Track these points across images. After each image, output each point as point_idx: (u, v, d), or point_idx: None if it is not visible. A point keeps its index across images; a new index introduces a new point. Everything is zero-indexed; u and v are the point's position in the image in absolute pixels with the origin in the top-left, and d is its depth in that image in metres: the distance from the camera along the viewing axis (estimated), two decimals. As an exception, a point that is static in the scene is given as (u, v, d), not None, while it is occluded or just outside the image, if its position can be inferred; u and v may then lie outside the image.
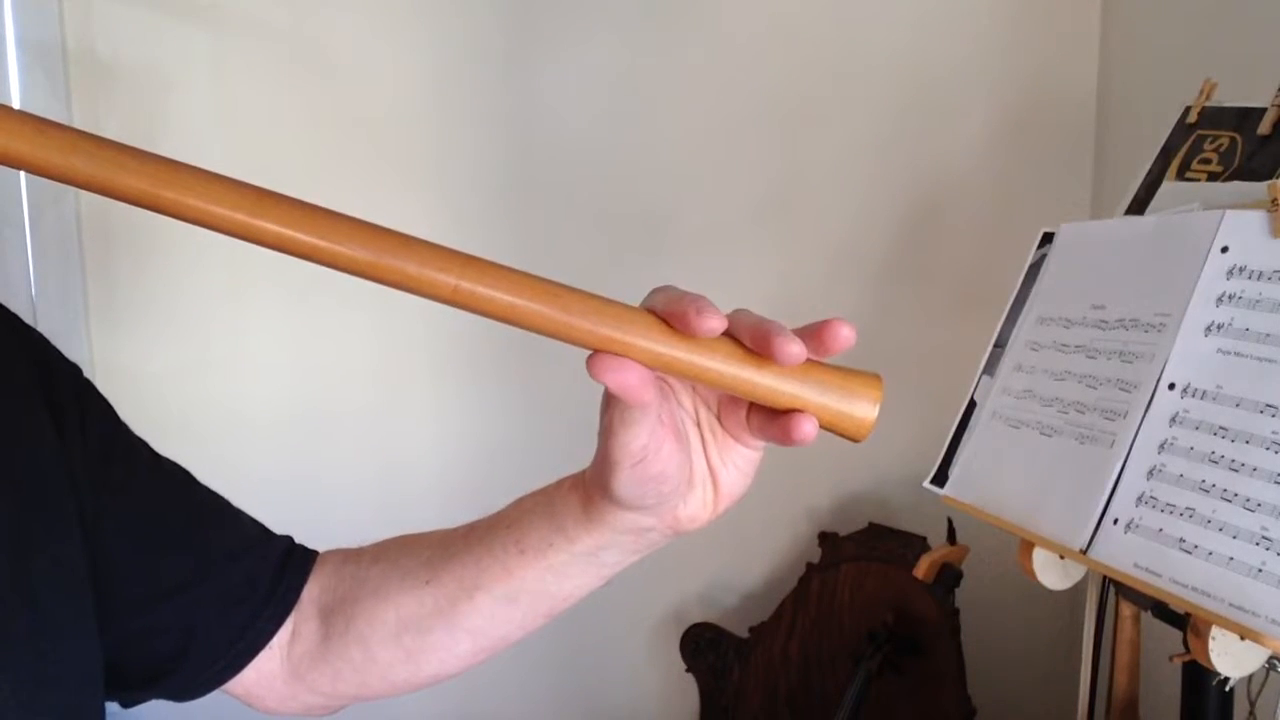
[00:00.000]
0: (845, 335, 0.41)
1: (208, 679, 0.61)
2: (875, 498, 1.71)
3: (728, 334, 0.42)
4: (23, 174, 1.46)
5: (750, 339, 0.41)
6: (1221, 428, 0.73)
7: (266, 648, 0.62)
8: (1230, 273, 0.77)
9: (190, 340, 1.58)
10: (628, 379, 0.40)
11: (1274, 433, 0.69)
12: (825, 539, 1.61)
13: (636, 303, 0.43)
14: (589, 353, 0.40)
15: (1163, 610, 0.80)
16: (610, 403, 0.43)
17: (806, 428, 0.41)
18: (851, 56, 1.63)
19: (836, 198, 1.66)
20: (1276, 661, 0.73)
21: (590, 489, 0.50)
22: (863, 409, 0.42)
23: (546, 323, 0.40)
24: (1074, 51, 1.64)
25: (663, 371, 0.41)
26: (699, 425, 0.47)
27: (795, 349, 0.39)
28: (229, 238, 0.38)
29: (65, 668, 0.52)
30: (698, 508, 0.48)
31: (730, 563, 1.73)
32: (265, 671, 0.63)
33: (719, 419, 0.47)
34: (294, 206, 0.38)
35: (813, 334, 0.41)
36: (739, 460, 0.48)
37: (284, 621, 0.63)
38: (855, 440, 0.43)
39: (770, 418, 0.43)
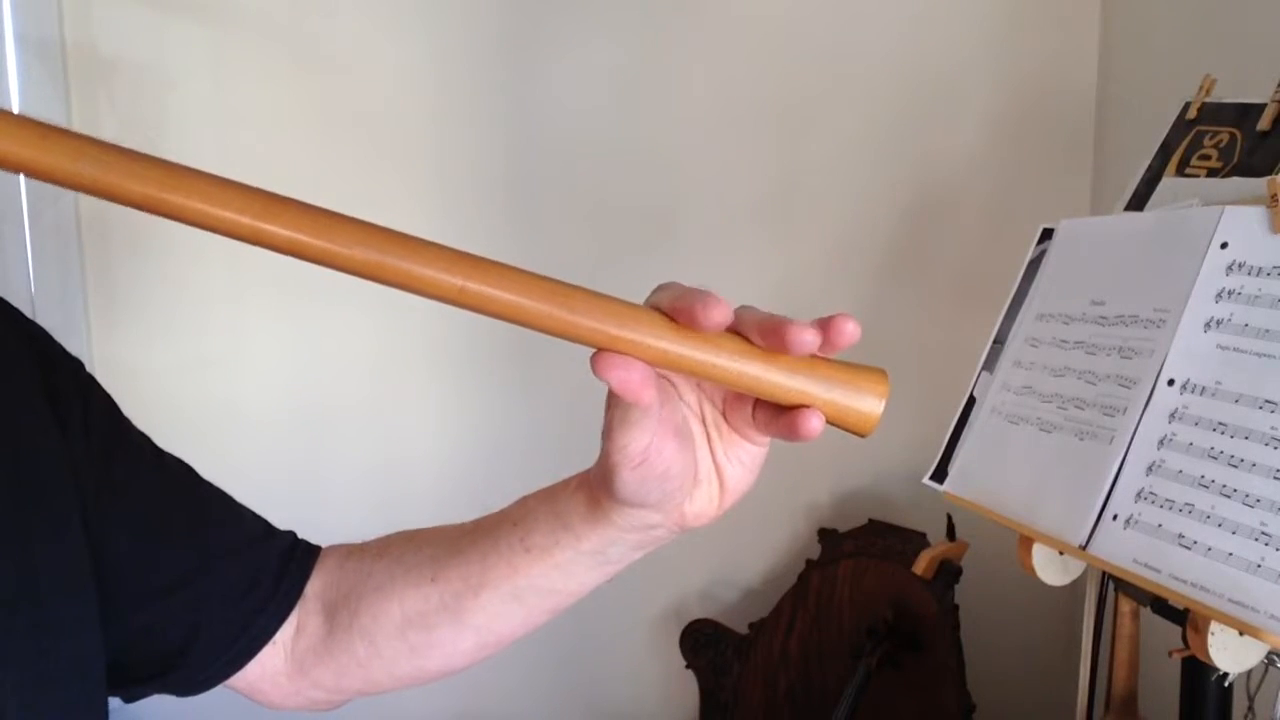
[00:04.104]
0: (850, 330, 0.41)
1: (211, 674, 0.61)
2: (875, 494, 1.71)
3: (734, 330, 0.43)
4: (22, 171, 1.47)
5: (759, 333, 0.41)
6: (1220, 423, 0.73)
7: (270, 643, 0.62)
8: (1230, 269, 0.77)
9: (189, 337, 1.58)
10: (630, 377, 0.40)
11: (1273, 428, 0.69)
12: (825, 535, 1.61)
13: (639, 300, 0.43)
14: (591, 354, 0.40)
15: (1162, 606, 0.80)
16: (612, 403, 0.43)
17: (813, 423, 0.42)
18: (851, 53, 1.64)
19: (837, 195, 1.66)
20: (1275, 657, 0.73)
21: (595, 488, 0.50)
22: (869, 404, 0.43)
23: (553, 322, 0.40)
24: (1074, 47, 1.64)
25: (670, 369, 0.41)
26: (704, 422, 0.47)
27: (808, 336, 0.40)
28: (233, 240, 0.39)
29: (67, 664, 0.52)
30: (704, 504, 0.48)
31: (730, 559, 1.74)
32: (269, 666, 0.63)
33: (724, 415, 0.47)
34: (300, 210, 0.38)
35: (818, 330, 0.41)
36: (744, 456, 0.48)
37: (288, 616, 0.63)
38: (861, 435, 0.43)
39: (776, 413, 0.43)
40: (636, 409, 0.42)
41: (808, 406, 0.42)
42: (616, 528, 0.50)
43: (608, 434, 0.44)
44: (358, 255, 0.38)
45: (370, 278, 0.39)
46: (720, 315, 0.40)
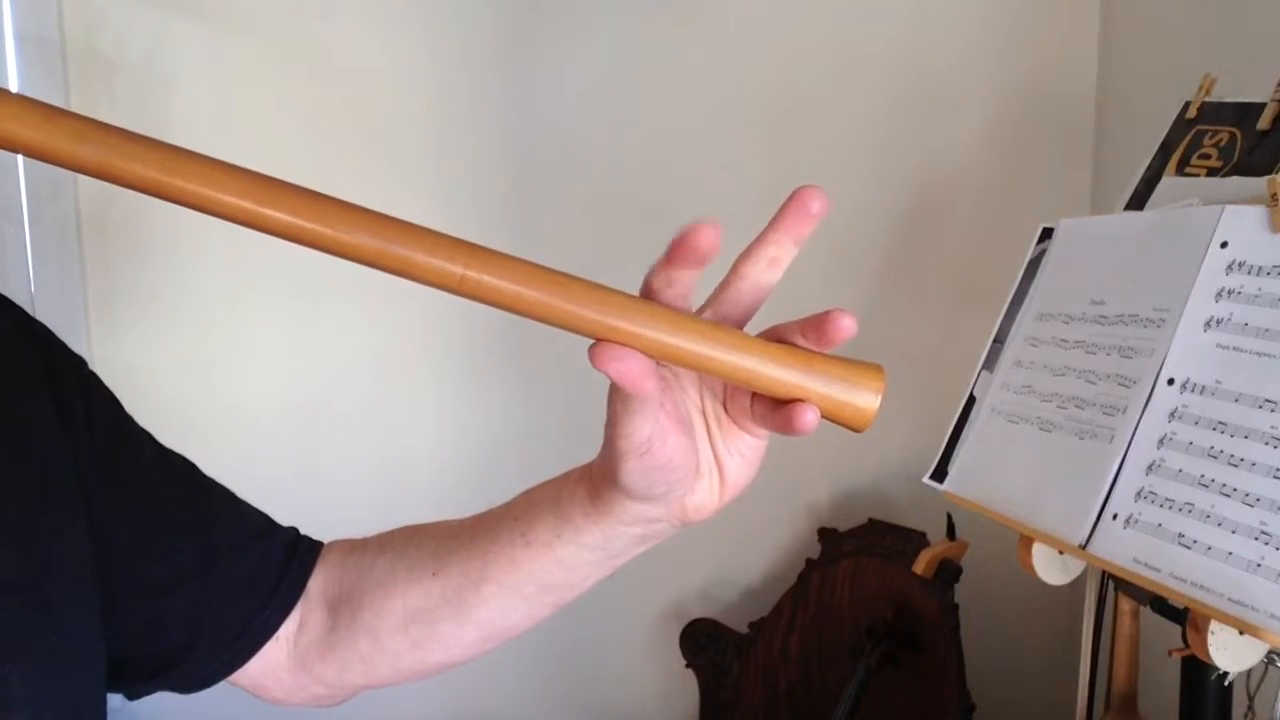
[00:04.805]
0: (846, 325, 0.41)
1: (214, 670, 0.62)
2: (875, 493, 1.71)
3: (735, 324, 0.43)
4: (21, 171, 1.47)
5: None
6: (1220, 423, 0.73)
7: (273, 639, 0.63)
8: (1229, 268, 0.77)
9: (190, 337, 1.58)
10: (629, 368, 0.39)
11: (1273, 428, 0.70)
12: (825, 535, 1.61)
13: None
14: (590, 346, 0.40)
15: (1162, 605, 0.80)
16: (614, 393, 0.43)
17: (809, 417, 0.42)
18: (850, 52, 1.64)
19: (836, 194, 1.64)
20: (1275, 656, 0.73)
21: (598, 481, 0.50)
22: (865, 399, 0.43)
23: (553, 312, 0.40)
24: (1073, 46, 1.65)
25: (669, 361, 0.41)
26: (704, 414, 0.47)
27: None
28: (233, 228, 0.39)
29: (71, 659, 0.53)
30: (705, 497, 0.48)
31: (730, 558, 1.74)
32: (272, 662, 0.63)
33: (724, 407, 0.47)
34: (301, 195, 0.38)
35: (814, 324, 0.42)
36: (744, 449, 0.48)
37: (290, 612, 0.63)
38: (857, 430, 0.43)
39: (773, 407, 0.44)
40: (638, 399, 0.42)
41: (803, 401, 0.42)
42: (618, 521, 0.50)
43: (612, 423, 0.44)
44: (358, 241, 0.38)
45: (370, 264, 0.39)
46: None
